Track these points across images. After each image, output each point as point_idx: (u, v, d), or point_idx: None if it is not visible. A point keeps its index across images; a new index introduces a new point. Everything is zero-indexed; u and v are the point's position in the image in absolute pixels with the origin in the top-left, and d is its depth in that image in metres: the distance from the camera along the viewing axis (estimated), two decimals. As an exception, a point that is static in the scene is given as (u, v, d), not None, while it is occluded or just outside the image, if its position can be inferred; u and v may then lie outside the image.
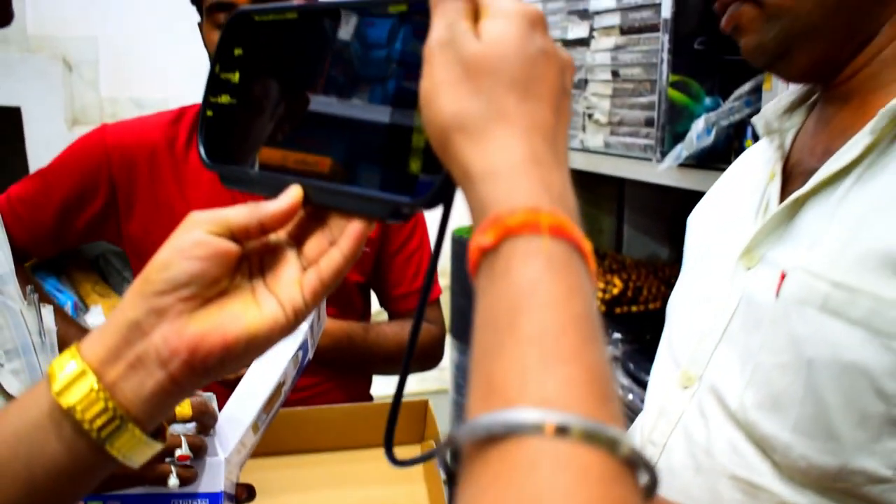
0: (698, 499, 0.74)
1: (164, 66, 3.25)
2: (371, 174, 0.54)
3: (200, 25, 1.45)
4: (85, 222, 1.48)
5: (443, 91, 0.46)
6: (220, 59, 0.65)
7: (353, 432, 1.25)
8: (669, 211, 2.39)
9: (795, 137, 0.88)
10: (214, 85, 0.66)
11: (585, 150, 1.95)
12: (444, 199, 0.51)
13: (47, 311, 1.02)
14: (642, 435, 0.84)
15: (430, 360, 1.66)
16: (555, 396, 0.36)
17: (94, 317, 2.52)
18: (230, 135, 0.64)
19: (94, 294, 2.77)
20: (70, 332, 1.52)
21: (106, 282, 2.96)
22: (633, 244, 2.50)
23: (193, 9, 1.46)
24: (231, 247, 0.59)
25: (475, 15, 0.48)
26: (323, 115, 0.58)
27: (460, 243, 2.83)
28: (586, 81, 1.93)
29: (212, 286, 0.58)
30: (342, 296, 1.51)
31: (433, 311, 1.63)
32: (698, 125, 1.53)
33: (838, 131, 0.78)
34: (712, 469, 0.75)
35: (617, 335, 2.02)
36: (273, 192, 0.59)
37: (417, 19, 0.51)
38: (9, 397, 0.89)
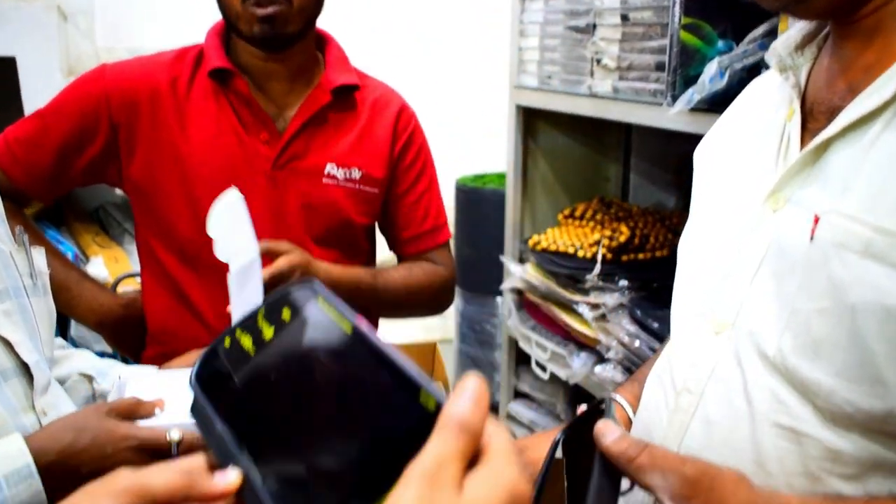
0: (741, 450, 0.73)
1: (160, 16, 3.20)
2: None
3: None
4: (84, 164, 1.45)
5: None
6: (268, 306, 0.57)
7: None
8: (676, 158, 2.36)
9: (809, 73, 0.85)
10: (249, 324, 0.57)
11: (593, 95, 1.92)
12: None
13: (38, 253, 1.00)
14: (676, 383, 0.82)
15: (439, 303, 1.64)
16: None
17: (95, 267, 2.51)
18: (227, 377, 0.56)
19: (95, 245, 2.76)
20: (71, 276, 1.50)
21: (106, 233, 2.94)
22: (640, 192, 2.48)
23: None
24: None
25: (474, 456, 0.45)
26: (299, 438, 0.51)
27: (464, 192, 2.81)
28: (594, 26, 1.89)
29: None
30: (348, 238, 1.49)
31: (442, 254, 1.61)
32: (711, 68, 1.50)
33: (862, 70, 0.76)
34: (753, 418, 0.74)
35: (623, 282, 2.01)
36: (221, 458, 0.52)
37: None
38: (2, 339, 0.88)
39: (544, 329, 2.25)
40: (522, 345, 2.33)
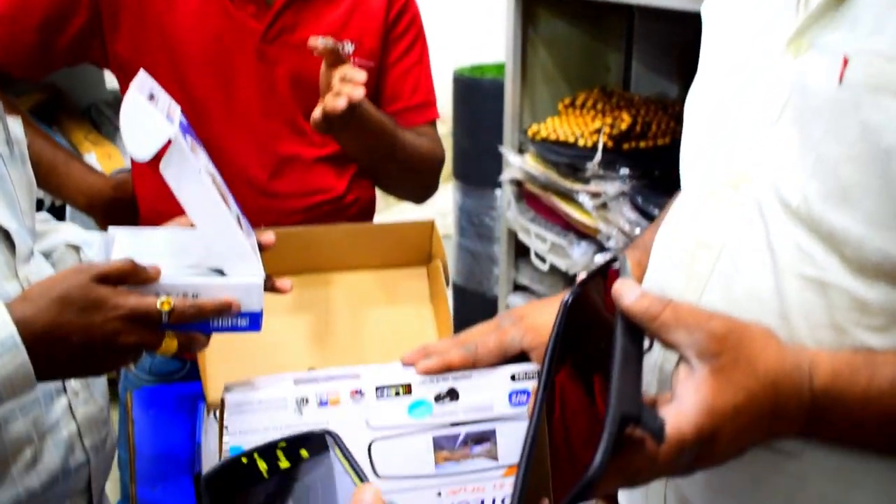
0: (764, 303, 0.70)
1: None
2: None
3: None
4: (68, 41, 1.40)
5: None
6: (289, 441, 0.67)
7: (358, 254, 1.22)
8: (680, 46, 2.29)
9: None
10: (268, 451, 0.65)
11: (594, -26, 1.85)
12: None
13: (14, 121, 0.97)
14: (691, 241, 0.79)
15: (427, 184, 1.59)
16: None
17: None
18: (237, 491, 0.64)
19: (87, 142, 2.71)
20: (59, 157, 1.47)
21: (98, 131, 2.90)
22: (642, 82, 2.42)
23: None
24: None
25: None
26: None
27: (461, 83, 2.75)
28: None
29: None
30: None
31: (431, 130, 1.55)
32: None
33: None
34: (776, 270, 0.71)
35: (625, 171, 1.97)
36: None
37: None
38: None
39: (544, 220, 2.22)
40: (522, 237, 2.31)
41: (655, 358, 0.80)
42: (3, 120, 0.94)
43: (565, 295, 0.73)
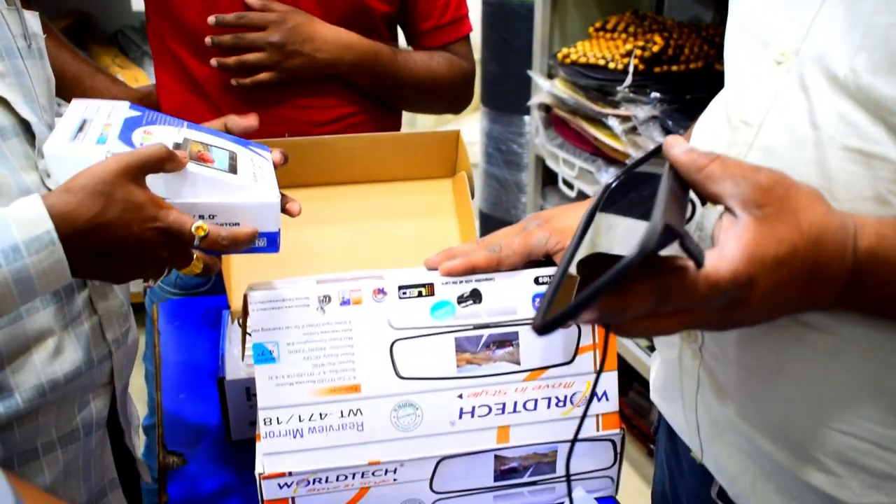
0: (805, 175, 0.68)
1: None
2: None
3: None
4: None
5: None
6: None
7: (382, 165, 1.20)
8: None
9: None
10: None
11: None
12: None
13: (32, 16, 0.95)
14: (732, 117, 0.77)
15: (459, 98, 1.57)
16: None
17: (115, 85, 2.46)
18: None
19: (115, 66, 2.71)
20: (84, 68, 1.46)
21: (125, 55, 2.89)
22: (675, 6, 2.37)
23: None
24: None
25: None
26: None
27: (491, 6, 2.70)
28: None
29: None
30: (368, 26, 1.42)
31: (463, 47, 1.54)
32: None
33: None
34: (819, 142, 0.69)
35: (655, 94, 1.94)
36: None
37: None
38: None
39: (572, 146, 2.20)
40: (549, 163, 2.29)
41: (696, 219, 0.79)
42: (20, 14, 0.93)
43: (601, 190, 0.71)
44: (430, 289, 0.85)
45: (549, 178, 2.36)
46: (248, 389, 1.01)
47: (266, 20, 1.32)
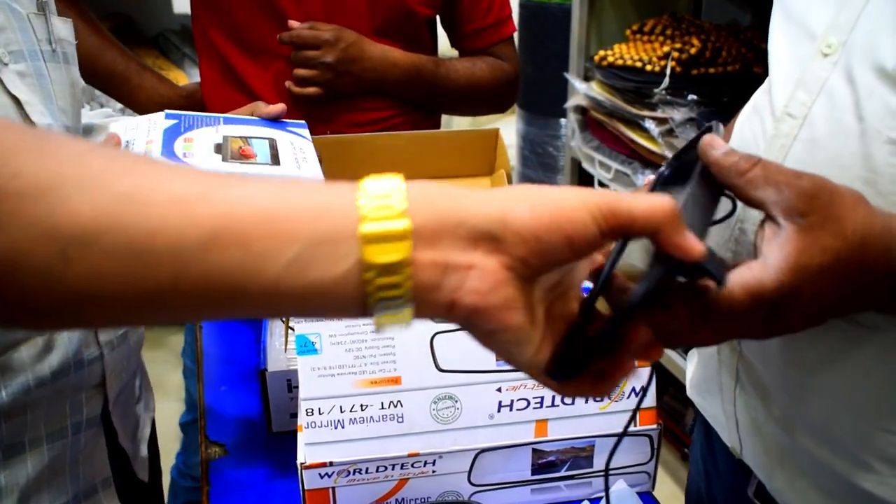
0: (849, 168, 0.68)
1: None
2: None
3: None
4: None
5: None
6: None
7: (421, 162, 1.22)
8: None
9: None
10: None
11: None
12: None
13: (63, 23, 0.97)
14: (777, 108, 0.77)
15: (503, 100, 1.59)
16: None
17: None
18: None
19: (155, 68, 2.75)
20: (131, 67, 1.49)
21: (166, 57, 2.93)
22: (713, 9, 2.36)
23: None
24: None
25: None
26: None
27: (528, 8, 2.71)
28: None
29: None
30: (410, 30, 1.44)
31: (507, 48, 1.55)
32: None
33: None
34: (864, 135, 0.68)
35: (693, 96, 1.94)
36: None
37: None
38: (13, 98, 0.85)
39: (608, 148, 2.20)
40: (585, 165, 2.29)
41: (733, 224, 0.78)
42: (48, 19, 0.94)
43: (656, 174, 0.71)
44: None
45: (584, 181, 2.36)
46: (289, 381, 1.02)
47: (321, 39, 1.36)
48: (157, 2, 3.08)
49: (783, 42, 0.82)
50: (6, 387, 0.85)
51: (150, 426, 1.15)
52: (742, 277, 0.57)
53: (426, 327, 0.85)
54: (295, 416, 1.03)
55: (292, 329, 0.85)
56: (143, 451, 1.11)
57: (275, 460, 1.03)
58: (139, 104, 1.50)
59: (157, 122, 0.91)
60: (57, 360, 0.88)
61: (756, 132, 0.80)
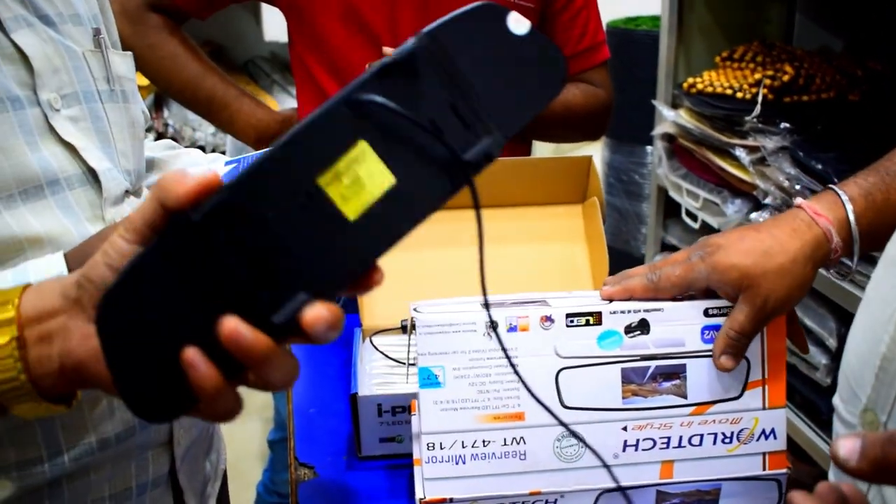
0: None
1: None
2: None
3: None
4: None
5: None
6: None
7: (511, 189, 1.21)
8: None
9: None
10: None
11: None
12: None
13: (121, 58, 0.93)
14: None
15: (596, 127, 1.58)
16: None
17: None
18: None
19: (246, 94, 2.82)
20: (230, 92, 1.52)
21: (256, 83, 3.00)
22: (805, 35, 2.31)
23: None
24: None
25: None
26: None
27: (615, 35, 2.69)
28: None
29: None
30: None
31: (600, 74, 1.54)
32: None
33: None
34: None
35: (785, 124, 1.89)
36: None
37: None
38: (66, 145, 0.82)
39: (696, 177, 2.17)
40: (672, 193, 2.26)
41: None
42: (106, 56, 0.90)
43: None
44: (597, 318, 0.84)
45: (670, 210, 2.33)
46: (379, 406, 1.03)
47: None
48: (247, 29, 3.16)
49: None
50: (69, 451, 0.83)
51: (222, 479, 1.13)
52: None
53: (552, 362, 0.83)
54: (384, 440, 1.03)
55: (417, 349, 0.84)
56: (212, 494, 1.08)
57: (363, 484, 1.03)
58: (238, 128, 1.53)
59: (217, 167, 0.91)
60: (121, 420, 0.86)
61: None
